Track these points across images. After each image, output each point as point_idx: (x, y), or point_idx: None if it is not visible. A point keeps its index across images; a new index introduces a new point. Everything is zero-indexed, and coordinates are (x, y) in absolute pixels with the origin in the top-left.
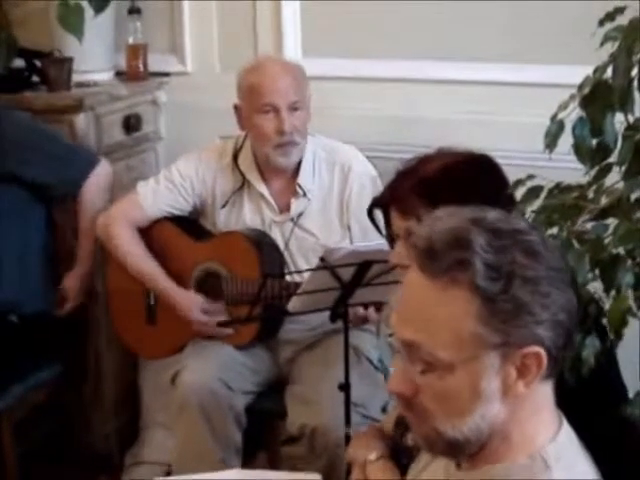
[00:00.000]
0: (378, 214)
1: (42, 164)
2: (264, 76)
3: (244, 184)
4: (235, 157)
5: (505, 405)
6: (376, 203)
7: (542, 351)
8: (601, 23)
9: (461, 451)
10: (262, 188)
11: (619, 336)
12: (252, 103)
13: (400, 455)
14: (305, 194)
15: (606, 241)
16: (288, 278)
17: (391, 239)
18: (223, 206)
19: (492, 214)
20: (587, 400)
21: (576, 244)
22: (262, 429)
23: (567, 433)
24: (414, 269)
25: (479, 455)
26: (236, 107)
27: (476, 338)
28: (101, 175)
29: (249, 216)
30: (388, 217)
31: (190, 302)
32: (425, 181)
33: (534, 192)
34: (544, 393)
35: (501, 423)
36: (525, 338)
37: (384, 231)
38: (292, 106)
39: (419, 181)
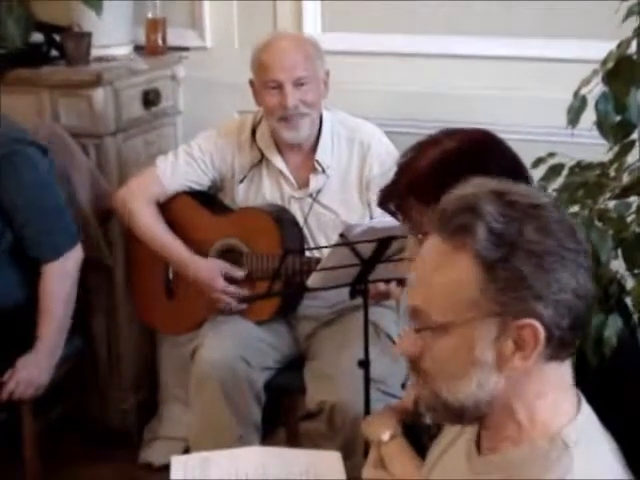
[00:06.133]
0: None
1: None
2: (271, 53)
3: (262, 159)
4: (253, 132)
5: (504, 378)
6: (379, 201)
7: (538, 325)
8: None
9: (459, 417)
10: (280, 164)
11: None
12: (260, 79)
13: (419, 433)
14: (324, 170)
15: (629, 219)
16: (308, 254)
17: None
18: (241, 181)
19: (517, 188)
20: (609, 380)
21: (598, 223)
22: (281, 405)
23: (586, 414)
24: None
25: (494, 438)
26: (251, 82)
27: (473, 304)
28: (72, 259)
29: (268, 191)
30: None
31: (212, 269)
32: (418, 181)
33: (555, 170)
34: (555, 376)
35: (502, 397)
36: (522, 311)
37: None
38: (298, 82)
39: (413, 181)
